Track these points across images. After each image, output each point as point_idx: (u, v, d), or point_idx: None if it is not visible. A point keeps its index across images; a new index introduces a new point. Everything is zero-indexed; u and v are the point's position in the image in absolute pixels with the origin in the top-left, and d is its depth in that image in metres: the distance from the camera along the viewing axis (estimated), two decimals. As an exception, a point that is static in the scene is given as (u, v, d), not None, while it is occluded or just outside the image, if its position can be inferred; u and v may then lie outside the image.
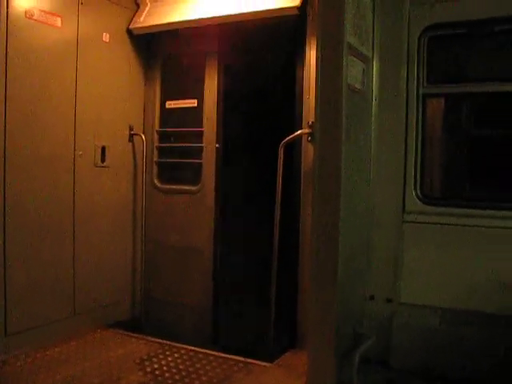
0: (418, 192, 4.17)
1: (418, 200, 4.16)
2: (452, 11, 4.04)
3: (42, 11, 4.64)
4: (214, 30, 5.45)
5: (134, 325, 5.69)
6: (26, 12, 4.49)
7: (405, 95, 4.18)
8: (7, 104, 4.39)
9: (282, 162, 4.72)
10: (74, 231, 5.10)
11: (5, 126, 4.38)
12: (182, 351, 4.79)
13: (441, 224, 4.07)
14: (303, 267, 4.82)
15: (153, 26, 5.56)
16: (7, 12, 4.32)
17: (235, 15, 5.08)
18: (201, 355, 4.71)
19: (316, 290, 3.79)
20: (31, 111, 4.63)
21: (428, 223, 4.13)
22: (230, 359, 4.63)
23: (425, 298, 4.12)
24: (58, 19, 4.80)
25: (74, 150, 5.07)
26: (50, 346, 4.72)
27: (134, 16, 5.69)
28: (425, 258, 4.14)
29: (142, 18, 5.63)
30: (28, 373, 4.18)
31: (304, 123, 4.82)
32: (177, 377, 4.21)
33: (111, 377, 4.16)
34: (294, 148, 4.92)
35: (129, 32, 5.64)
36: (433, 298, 4.09)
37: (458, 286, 4.02)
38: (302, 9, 4.75)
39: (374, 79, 4.25)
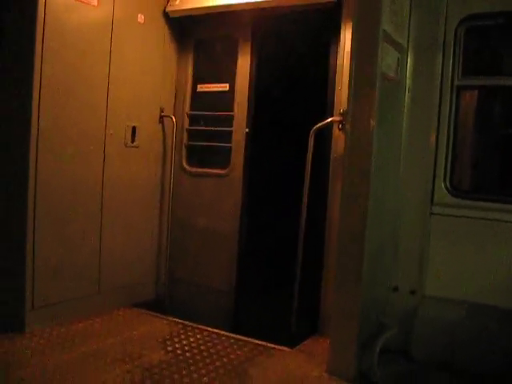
0: (448, 184, 4.15)
1: (447, 192, 4.14)
2: (490, 2, 3.98)
3: (80, -11, 4.68)
4: (249, 15, 5.43)
5: (157, 305, 5.74)
6: (63, -10, 4.53)
7: (439, 86, 4.14)
8: (42, 81, 4.43)
9: (311, 149, 4.70)
10: (101, 209, 5.15)
11: (39, 102, 4.43)
12: (204, 332, 4.83)
13: (469, 217, 4.04)
14: (329, 255, 4.81)
15: (189, 9, 5.56)
16: (47, -10, 4.37)
17: (271, 1, 5.06)
18: (223, 337, 4.74)
19: (341, 278, 3.81)
20: (65, 89, 4.67)
21: (456, 216, 4.10)
22: (252, 343, 4.65)
23: (449, 291, 4.10)
24: (95, -2, 4.84)
25: (105, 129, 5.10)
26: (75, 322, 4.79)
27: (169, -2, 5.71)
28: (451, 251, 4.12)
29: (177, 1, 5.64)
30: (53, 344, 4.25)
31: (335, 111, 4.78)
32: (198, 357, 4.25)
33: (133, 354, 4.21)
34: (324, 135, 4.90)
35: (165, 14, 5.66)
36: (457, 291, 4.07)
37: (483, 280, 3.99)
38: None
39: (408, 69, 4.21)
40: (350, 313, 3.72)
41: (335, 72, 4.86)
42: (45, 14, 4.37)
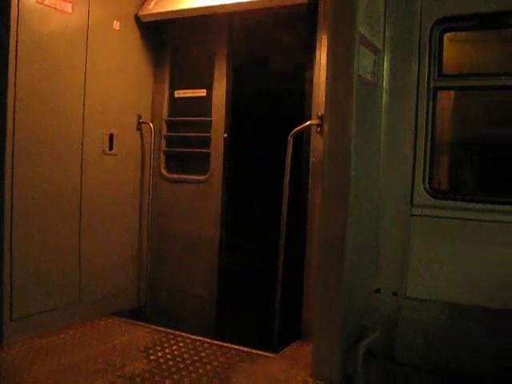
0: (427, 185, 4.16)
1: (426, 193, 4.15)
2: (464, 4, 4.00)
3: (53, -4, 4.63)
4: (224, 19, 5.43)
5: (138, 313, 5.71)
6: (36, -3, 4.49)
7: (415, 88, 4.16)
8: (17, 89, 4.38)
9: (290, 153, 4.69)
10: (80, 218, 5.10)
11: (14, 111, 4.37)
12: (187, 340, 4.78)
13: (448, 218, 4.06)
14: (310, 259, 4.82)
15: (161, 12, 5.53)
16: (18, -3, 4.32)
17: (244, 3, 5.04)
18: (205, 344, 4.71)
19: (323, 282, 3.80)
20: (41, 97, 4.62)
21: (435, 217, 4.11)
22: (235, 349, 4.62)
23: (431, 293, 4.11)
24: (69, 5, 4.78)
25: (83, 136, 5.05)
26: (55, 332, 4.72)
27: (143, 3, 5.67)
28: (432, 252, 4.13)
29: (151, 6, 5.61)
30: (33, 357, 4.18)
31: (313, 114, 4.78)
32: (181, 365, 4.21)
33: (115, 364, 4.16)
34: (302, 139, 4.90)
35: (137, 19, 5.62)
36: (439, 292, 4.08)
37: (465, 281, 4.01)
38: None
39: (385, 71, 4.23)
40: (332, 316, 3.71)
41: (312, 75, 4.87)
42: (18, 21, 4.32)
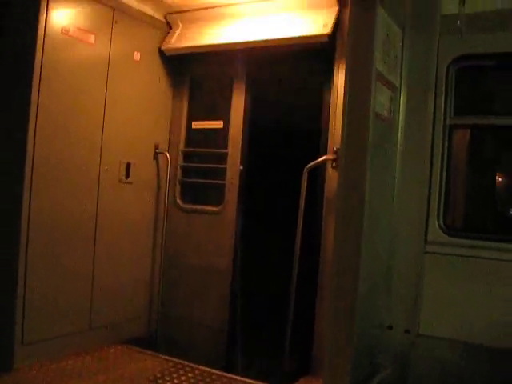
0: (441, 223, 4.15)
1: (440, 231, 4.13)
2: (482, 43, 4.05)
3: (77, 28, 4.74)
4: (243, 54, 5.51)
5: (149, 342, 5.66)
6: (62, 29, 4.59)
7: (431, 125, 4.18)
8: (38, 117, 4.47)
9: (305, 187, 4.71)
10: (94, 245, 5.13)
11: (35, 137, 4.45)
12: (196, 371, 4.75)
13: (463, 256, 4.03)
14: (322, 295, 4.78)
15: (184, 47, 5.64)
16: (45, 28, 4.43)
17: (264, 41, 5.14)
18: (214, 376, 4.67)
19: (334, 317, 3.76)
20: (61, 124, 4.70)
21: (450, 255, 4.09)
22: (244, 382, 4.58)
23: (444, 331, 4.06)
24: (92, 36, 4.90)
25: (100, 164, 5.12)
26: (65, 358, 4.71)
27: (165, 37, 5.79)
28: (445, 290, 4.09)
29: (173, 39, 5.72)
30: (41, 382, 4.18)
31: (329, 148, 4.80)
32: (189, 397, 4.19)
33: (123, 393, 4.16)
34: (317, 173, 4.92)
35: (160, 52, 5.73)
36: (452, 330, 4.03)
37: (479, 320, 3.96)
38: (331, 36, 4.78)
39: (401, 108, 4.25)
40: (343, 352, 3.67)
41: (329, 110, 4.91)
42: (43, 50, 4.43)
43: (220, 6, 5.45)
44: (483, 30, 4.01)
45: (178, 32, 5.76)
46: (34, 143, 4.46)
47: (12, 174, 4.52)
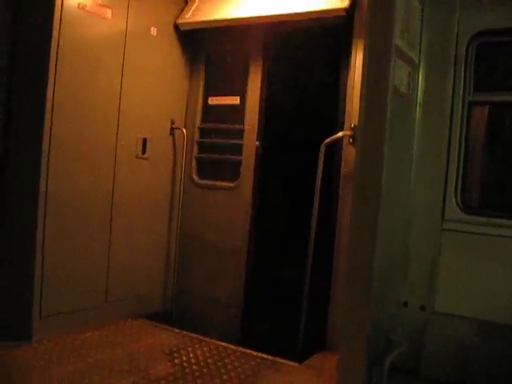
0: (459, 200, 4.12)
1: (457, 208, 4.11)
2: (503, 17, 3.97)
3: (94, 3, 4.72)
4: (260, 29, 5.47)
5: (164, 317, 5.73)
6: (78, 4, 4.58)
7: (450, 102, 4.12)
8: (55, 92, 4.48)
9: (322, 163, 4.70)
10: (111, 220, 5.18)
11: (52, 114, 4.47)
12: (211, 346, 4.81)
13: (480, 234, 4.01)
14: (337, 270, 4.80)
15: (199, 22, 5.61)
16: (62, 3, 4.42)
17: (281, 15, 5.09)
18: (229, 351, 4.72)
19: (350, 293, 3.76)
20: (78, 100, 4.72)
21: (467, 232, 4.06)
22: (258, 357, 4.63)
23: (460, 308, 4.05)
24: (109, 11, 4.89)
25: (117, 140, 5.14)
26: (82, 331, 4.79)
27: (181, 12, 5.75)
28: (462, 268, 4.07)
29: (189, 14, 5.69)
30: (60, 354, 4.25)
31: (346, 125, 4.78)
32: (204, 370, 4.23)
33: (140, 365, 4.20)
34: (334, 149, 4.90)
35: (175, 27, 5.70)
36: (468, 308, 4.02)
37: (495, 298, 3.95)
38: (349, 11, 4.73)
39: (420, 84, 4.20)
40: (359, 329, 3.68)
41: (346, 86, 4.87)
42: (60, 26, 4.44)
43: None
44: (505, 4, 3.93)
45: (194, 6, 5.73)
46: (52, 120, 4.49)
47: (30, 152, 4.55)
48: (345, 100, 4.88)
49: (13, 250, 4.63)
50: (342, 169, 4.85)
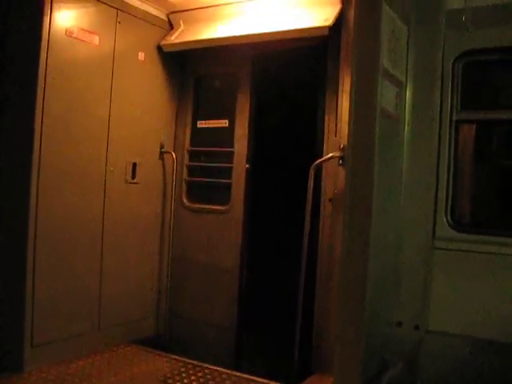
0: (449, 218, 4.13)
1: (448, 226, 4.12)
2: (488, 37, 4.02)
3: (82, 29, 4.75)
4: (247, 51, 5.52)
5: (157, 342, 5.69)
6: (66, 30, 4.60)
7: (438, 121, 4.15)
8: (44, 117, 4.48)
9: (312, 184, 4.72)
10: (102, 246, 5.15)
11: (41, 139, 4.47)
12: (206, 370, 4.76)
13: (471, 251, 4.02)
14: (331, 291, 4.78)
15: (182, 43, 5.62)
16: (49, 29, 4.45)
17: (265, 34, 5.11)
18: (224, 375, 4.68)
19: (344, 315, 3.76)
20: (66, 125, 4.72)
21: (458, 250, 4.07)
22: (253, 380, 4.59)
23: (453, 327, 4.05)
24: (96, 37, 4.91)
25: (106, 165, 5.13)
26: (74, 360, 4.73)
27: (166, 35, 5.79)
28: (454, 286, 4.08)
29: (173, 37, 5.71)
30: (52, 385, 4.20)
31: (336, 146, 4.79)
32: (200, 396, 4.20)
33: (134, 393, 4.16)
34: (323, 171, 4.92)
35: (159, 49, 5.70)
36: (461, 326, 4.01)
37: (488, 315, 3.95)
38: (333, 30, 4.77)
39: (407, 104, 4.24)
40: (353, 350, 3.67)
41: (336, 107, 4.89)
42: (47, 52, 4.45)
43: (223, 5, 5.45)
44: (489, 25, 3.98)
45: (179, 30, 5.75)
46: (40, 145, 4.48)
47: (19, 177, 4.53)
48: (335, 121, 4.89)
49: (2, 277, 4.56)
50: (332, 190, 4.85)
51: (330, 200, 4.87)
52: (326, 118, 5.00)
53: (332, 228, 4.83)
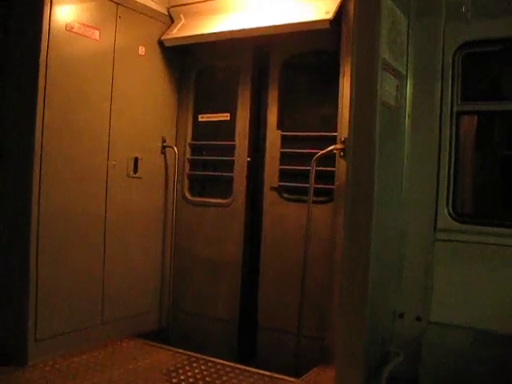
0: (451, 210, 4.14)
1: (450, 218, 4.13)
2: (488, 28, 4.02)
3: (82, 24, 4.74)
4: (248, 44, 5.51)
5: (161, 335, 5.71)
6: (66, 25, 4.60)
7: (438, 112, 4.15)
8: (45, 113, 4.48)
9: (313, 176, 4.72)
10: (104, 240, 5.16)
11: (42, 134, 4.47)
12: (209, 363, 4.77)
13: (473, 243, 4.02)
14: (335, 283, 4.79)
15: (184, 37, 5.61)
16: (49, 24, 4.44)
17: (266, 27, 5.11)
18: (228, 368, 4.69)
19: (346, 306, 3.77)
20: (68, 121, 4.72)
21: (460, 241, 4.08)
22: (257, 373, 4.60)
23: (455, 318, 4.06)
24: (97, 32, 4.90)
25: (108, 160, 5.13)
26: (78, 353, 4.74)
27: (167, 29, 5.78)
28: (456, 277, 4.09)
29: (174, 31, 5.70)
30: (55, 378, 4.21)
31: (337, 139, 4.79)
32: (203, 389, 4.22)
33: (138, 386, 4.18)
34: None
35: (160, 43, 5.70)
36: (463, 317, 4.03)
37: (489, 306, 3.96)
38: (334, 24, 4.76)
39: (408, 96, 4.23)
40: (355, 341, 3.68)
41: (337, 99, 4.88)
42: (48, 47, 4.44)
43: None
44: (489, 15, 3.98)
45: (180, 24, 5.74)
46: (42, 141, 4.48)
47: (21, 173, 4.54)
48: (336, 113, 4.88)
49: (5, 271, 4.59)
50: (334, 182, 4.85)
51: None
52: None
53: (334, 219, 4.83)
